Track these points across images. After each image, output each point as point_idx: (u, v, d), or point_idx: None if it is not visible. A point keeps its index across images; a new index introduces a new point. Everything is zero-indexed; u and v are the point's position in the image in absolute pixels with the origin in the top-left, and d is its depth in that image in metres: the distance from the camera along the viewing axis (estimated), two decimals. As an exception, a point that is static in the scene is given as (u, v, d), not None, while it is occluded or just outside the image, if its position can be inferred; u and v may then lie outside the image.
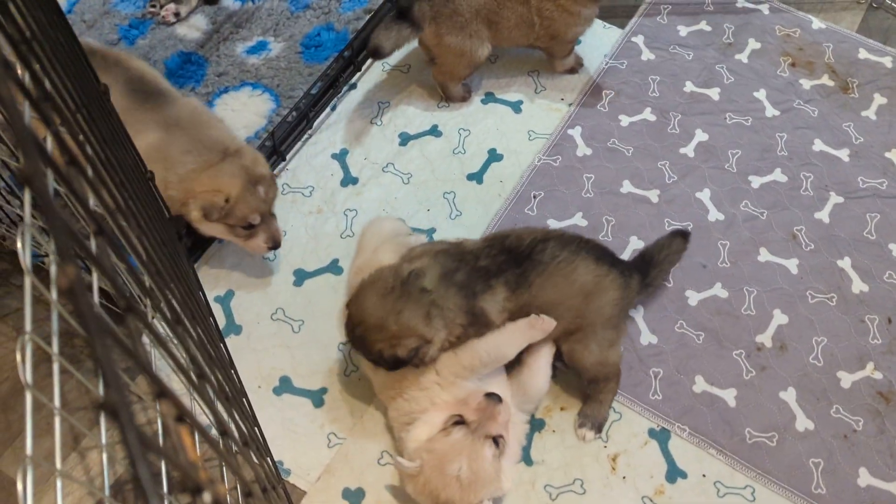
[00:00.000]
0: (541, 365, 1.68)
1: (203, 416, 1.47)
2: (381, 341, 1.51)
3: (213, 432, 0.81)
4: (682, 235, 1.88)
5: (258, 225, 1.77)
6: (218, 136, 1.79)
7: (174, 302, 0.93)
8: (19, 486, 0.57)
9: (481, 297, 1.56)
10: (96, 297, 0.83)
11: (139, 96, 1.78)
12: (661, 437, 1.76)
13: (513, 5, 2.06)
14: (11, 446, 1.71)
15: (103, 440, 0.82)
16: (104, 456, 0.79)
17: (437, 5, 2.02)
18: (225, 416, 0.90)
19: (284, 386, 1.81)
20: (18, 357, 0.60)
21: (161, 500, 0.35)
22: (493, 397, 1.54)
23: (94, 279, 0.78)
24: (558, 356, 1.72)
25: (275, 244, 1.81)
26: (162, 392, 0.48)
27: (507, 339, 1.58)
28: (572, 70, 2.31)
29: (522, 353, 1.65)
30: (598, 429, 1.74)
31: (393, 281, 1.53)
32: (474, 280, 1.56)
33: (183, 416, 0.52)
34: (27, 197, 0.59)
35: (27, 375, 0.61)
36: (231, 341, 1.85)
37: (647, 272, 1.79)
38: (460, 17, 2.03)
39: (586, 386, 1.75)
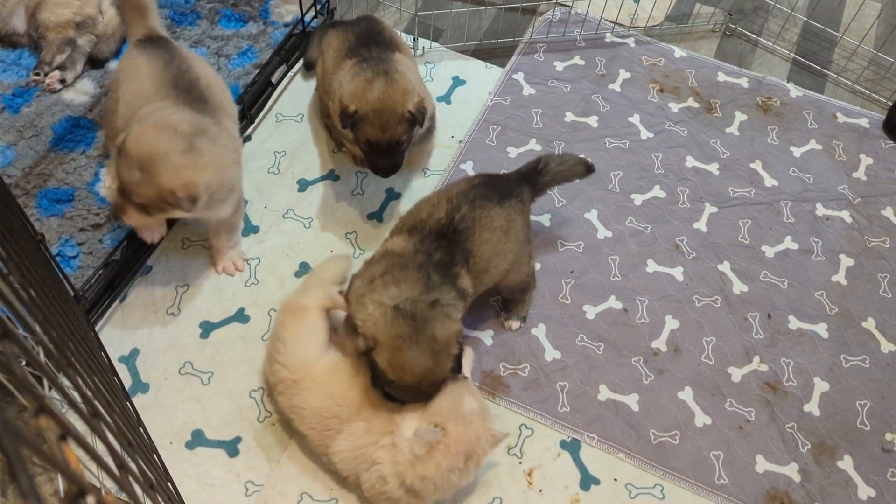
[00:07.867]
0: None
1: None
2: (441, 364, 1.55)
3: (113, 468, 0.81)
4: (587, 167, 1.97)
5: None
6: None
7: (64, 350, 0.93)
8: None
9: (458, 281, 1.65)
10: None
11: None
12: (572, 447, 1.83)
13: None
14: None
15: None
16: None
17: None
18: (126, 457, 0.90)
19: (197, 439, 1.78)
20: None
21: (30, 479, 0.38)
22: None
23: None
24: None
25: None
26: (42, 408, 0.50)
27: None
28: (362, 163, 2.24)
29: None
30: (523, 320, 1.99)
31: (404, 327, 1.52)
32: (445, 273, 1.63)
33: (65, 434, 0.54)
34: None
35: None
36: (138, 400, 1.82)
37: (536, 180, 1.89)
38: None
39: (514, 295, 1.95)
